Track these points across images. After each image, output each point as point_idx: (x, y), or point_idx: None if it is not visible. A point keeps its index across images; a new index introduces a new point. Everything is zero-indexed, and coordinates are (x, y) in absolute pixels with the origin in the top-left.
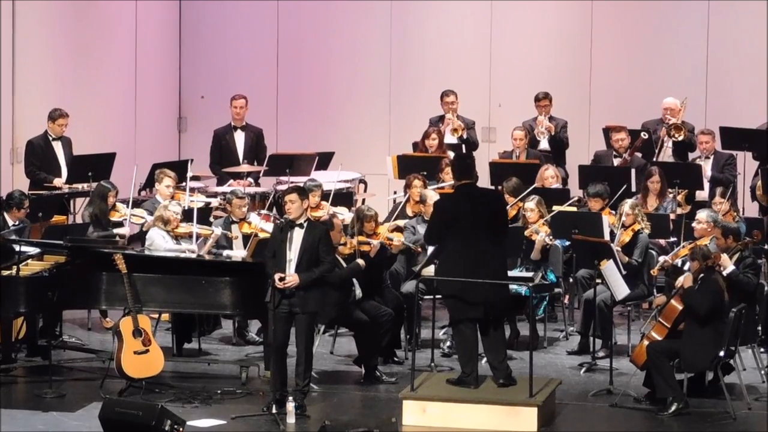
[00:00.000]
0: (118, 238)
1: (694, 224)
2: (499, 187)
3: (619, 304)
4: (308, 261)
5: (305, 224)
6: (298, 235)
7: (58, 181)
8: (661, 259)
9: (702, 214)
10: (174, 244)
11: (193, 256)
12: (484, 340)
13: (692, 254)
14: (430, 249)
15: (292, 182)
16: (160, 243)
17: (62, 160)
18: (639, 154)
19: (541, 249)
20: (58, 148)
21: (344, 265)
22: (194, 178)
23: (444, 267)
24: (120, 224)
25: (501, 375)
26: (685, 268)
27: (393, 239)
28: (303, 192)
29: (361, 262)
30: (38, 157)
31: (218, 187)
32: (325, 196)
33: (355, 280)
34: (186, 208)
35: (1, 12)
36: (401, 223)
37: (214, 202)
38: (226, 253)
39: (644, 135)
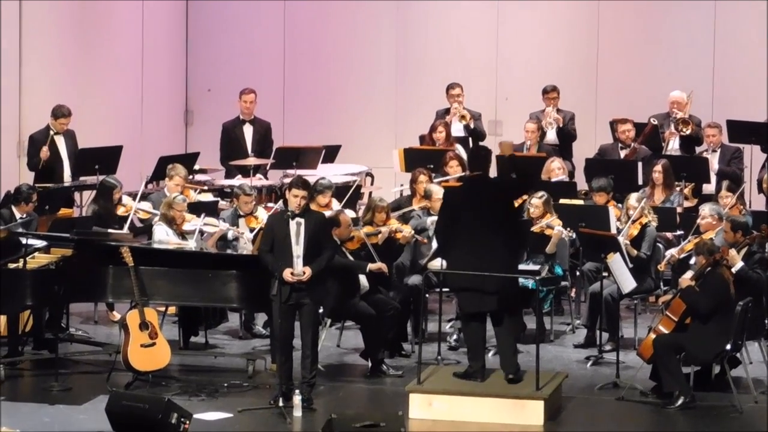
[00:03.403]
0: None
1: (699, 219)
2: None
3: (626, 297)
4: (313, 251)
5: (304, 214)
6: (300, 228)
7: (43, 151)
8: (668, 253)
9: (705, 209)
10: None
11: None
12: (496, 333)
13: (697, 249)
14: (435, 243)
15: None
16: (158, 237)
17: (64, 154)
18: (644, 147)
19: (556, 242)
20: (60, 142)
21: (351, 258)
22: (201, 171)
23: (453, 259)
24: (125, 219)
25: (510, 370)
26: (691, 262)
27: (403, 231)
28: (308, 185)
29: (373, 266)
30: (40, 151)
31: (225, 180)
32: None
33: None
34: (195, 200)
35: (7, 4)
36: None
37: (222, 203)
38: (231, 233)
39: (653, 120)
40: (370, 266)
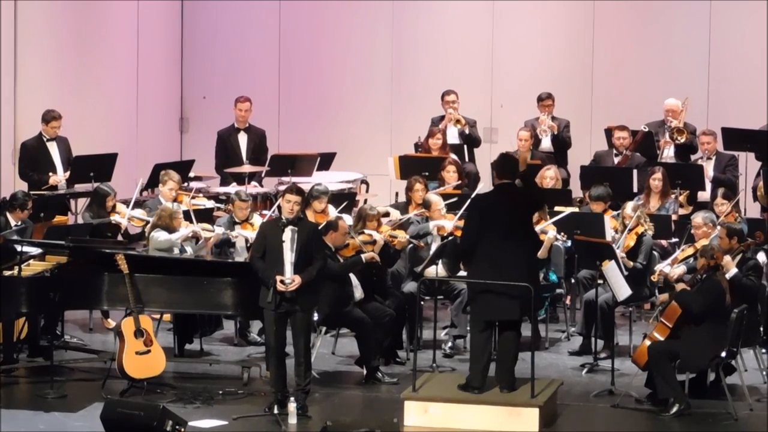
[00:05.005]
0: (113, 221)
1: (692, 230)
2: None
3: (621, 305)
4: (304, 260)
5: (298, 222)
6: (293, 235)
7: (54, 179)
8: (659, 267)
9: (698, 218)
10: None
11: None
12: (499, 343)
13: (702, 251)
14: (433, 248)
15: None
16: (163, 238)
17: (57, 160)
18: (638, 153)
19: (549, 248)
20: (53, 148)
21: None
22: (196, 178)
23: (475, 266)
24: (119, 225)
25: (505, 385)
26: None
27: (397, 236)
28: (302, 191)
29: (367, 255)
30: (32, 158)
31: (221, 188)
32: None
33: (356, 281)
34: (190, 206)
35: (2, 12)
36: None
37: (216, 210)
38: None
39: (644, 128)
40: (364, 257)
